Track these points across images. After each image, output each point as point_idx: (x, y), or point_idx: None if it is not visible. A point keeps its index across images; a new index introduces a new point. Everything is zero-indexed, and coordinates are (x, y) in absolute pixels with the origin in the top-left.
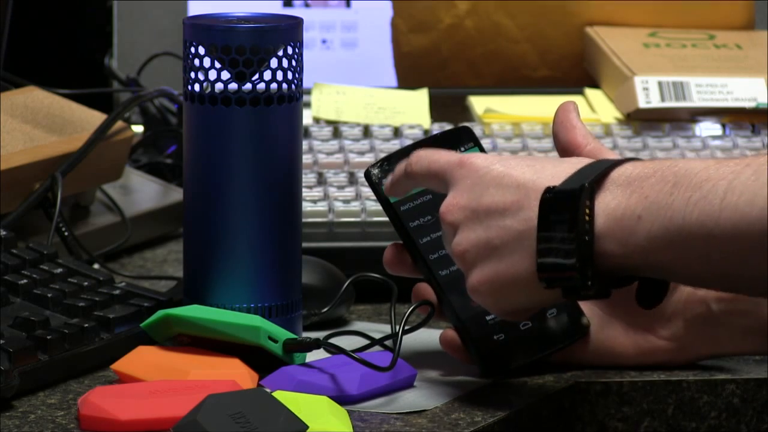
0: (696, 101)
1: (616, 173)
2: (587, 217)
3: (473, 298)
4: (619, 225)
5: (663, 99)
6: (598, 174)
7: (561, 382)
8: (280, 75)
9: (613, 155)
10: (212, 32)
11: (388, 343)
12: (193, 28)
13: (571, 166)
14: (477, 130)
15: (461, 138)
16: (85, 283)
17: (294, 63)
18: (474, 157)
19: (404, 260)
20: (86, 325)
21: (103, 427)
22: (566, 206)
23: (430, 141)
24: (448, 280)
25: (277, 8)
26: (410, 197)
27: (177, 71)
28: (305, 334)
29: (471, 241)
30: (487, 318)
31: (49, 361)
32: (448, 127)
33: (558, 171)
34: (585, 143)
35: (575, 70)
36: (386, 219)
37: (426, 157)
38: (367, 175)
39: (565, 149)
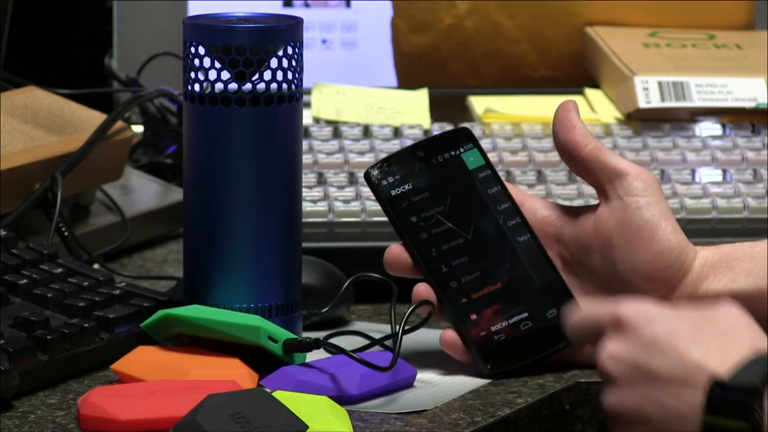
0: (696, 101)
1: None
2: (757, 417)
3: None
4: None
5: (663, 99)
6: (766, 371)
7: (561, 382)
8: (280, 75)
9: (614, 155)
10: (212, 32)
11: (388, 343)
12: (193, 28)
13: (738, 351)
14: (477, 130)
15: (461, 139)
16: (85, 283)
17: (294, 63)
18: (633, 313)
19: (404, 260)
20: (86, 325)
21: (103, 427)
22: (736, 406)
23: (429, 141)
24: (448, 279)
25: (277, 8)
26: (408, 196)
27: (177, 71)
28: (305, 334)
29: (627, 406)
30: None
31: (49, 361)
32: (448, 127)
33: (726, 355)
34: (585, 143)
35: (575, 70)
36: (386, 219)
37: (575, 318)
38: (367, 176)
39: (564, 149)
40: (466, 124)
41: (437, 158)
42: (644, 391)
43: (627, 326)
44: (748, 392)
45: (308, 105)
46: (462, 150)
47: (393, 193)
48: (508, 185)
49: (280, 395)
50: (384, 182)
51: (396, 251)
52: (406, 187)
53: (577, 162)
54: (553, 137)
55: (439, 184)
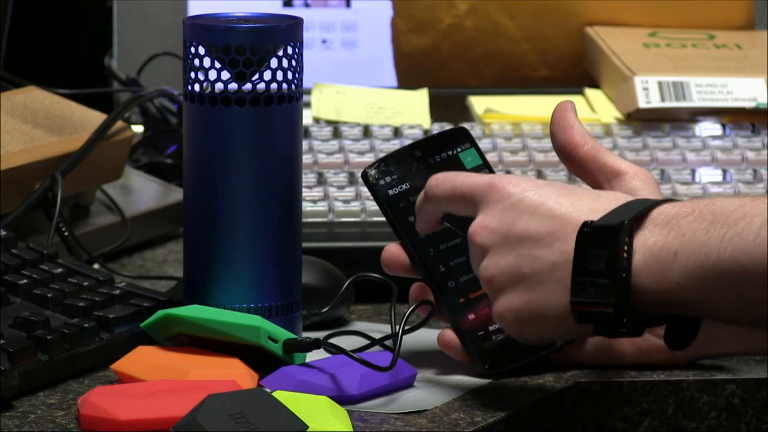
0: (696, 101)
1: (655, 212)
2: (625, 254)
3: (497, 323)
4: (655, 261)
5: (663, 99)
6: (637, 212)
7: (561, 382)
8: (280, 75)
9: (612, 155)
10: (212, 32)
11: (388, 343)
12: (193, 28)
13: (609, 202)
14: (477, 130)
15: (458, 139)
16: (85, 283)
17: (294, 63)
18: (505, 181)
19: (402, 260)
20: (86, 325)
21: (103, 427)
22: (604, 242)
23: (427, 141)
24: (446, 278)
25: (277, 8)
26: (406, 195)
27: (177, 71)
28: (305, 334)
29: (500, 267)
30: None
31: (49, 361)
32: (448, 127)
33: (596, 205)
34: (582, 143)
35: (575, 70)
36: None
37: (449, 179)
38: (364, 175)
39: (562, 149)
40: (466, 124)
41: (435, 158)
42: (516, 251)
43: (496, 191)
44: (614, 229)
45: (308, 105)
46: (459, 150)
47: (390, 192)
48: None
49: (280, 395)
50: (381, 182)
51: (394, 251)
52: (404, 186)
53: (575, 162)
54: (551, 137)
55: None
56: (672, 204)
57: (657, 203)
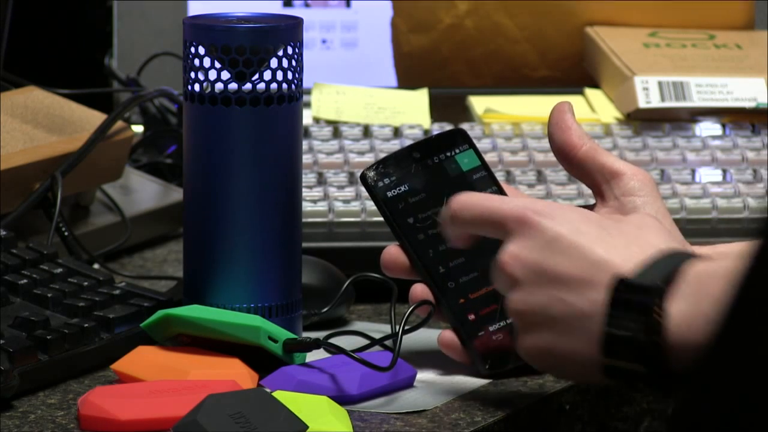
0: (696, 101)
1: (689, 272)
2: (658, 318)
3: (521, 355)
4: (688, 326)
5: (663, 99)
6: (671, 271)
7: (561, 382)
8: (280, 75)
9: (610, 155)
10: (212, 32)
11: (388, 343)
12: (193, 28)
13: (642, 250)
14: (477, 130)
15: (456, 140)
16: (85, 283)
17: (294, 63)
18: (539, 214)
19: (401, 262)
20: (86, 325)
21: (103, 427)
22: (637, 305)
23: (425, 143)
24: (445, 279)
25: (277, 8)
26: (404, 197)
27: (177, 71)
28: (305, 334)
29: (530, 305)
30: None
31: (49, 361)
32: (448, 127)
33: (629, 254)
34: (580, 144)
35: (575, 70)
36: None
37: (477, 204)
38: (363, 177)
39: (560, 150)
40: (465, 124)
41: (433, 159)
42: (547, 291)
43: (530, 225)
44: (649, 292)
45: (308, 105)
46: (458, 151)
47: (389, 194)
48: (504, 186)
49: (280, 395)
50: (380, 183)
51: (393, 253)
52: (403, 188)
53: (573, 163)
54: (549, 139)
55: (435, 185)
56: (705, 262)
57: (690, 258)
